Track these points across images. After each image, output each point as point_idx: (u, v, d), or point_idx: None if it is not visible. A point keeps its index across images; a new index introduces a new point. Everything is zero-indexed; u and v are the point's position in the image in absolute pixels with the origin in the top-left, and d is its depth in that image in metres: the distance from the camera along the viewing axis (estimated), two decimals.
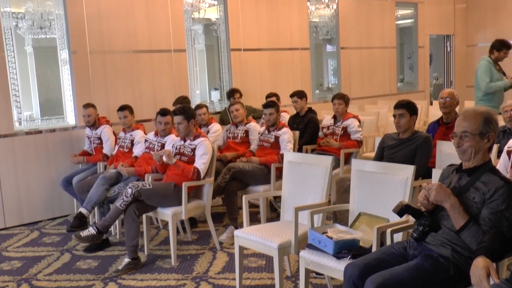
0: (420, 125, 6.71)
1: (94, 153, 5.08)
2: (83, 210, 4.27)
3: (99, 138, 5.06)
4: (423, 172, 3.69)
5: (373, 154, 4.26)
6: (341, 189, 3.69)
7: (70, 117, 5.55)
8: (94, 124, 5.10)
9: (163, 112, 4.38)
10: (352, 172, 3.11)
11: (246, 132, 5.03)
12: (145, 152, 4.51)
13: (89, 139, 5.16)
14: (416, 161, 3.68)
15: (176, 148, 4.12)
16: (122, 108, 4.82)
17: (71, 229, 4.22)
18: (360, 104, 7.75)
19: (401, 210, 2.19)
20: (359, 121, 5.18)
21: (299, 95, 5.66)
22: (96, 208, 4.38)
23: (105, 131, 5.03)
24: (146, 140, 4.57)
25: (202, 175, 3.93)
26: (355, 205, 3.04)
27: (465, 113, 2.24)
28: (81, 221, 4.23)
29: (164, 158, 3.94)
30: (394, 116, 3.81)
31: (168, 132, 4.41)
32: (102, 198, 4.25)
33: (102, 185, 4.27)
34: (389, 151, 3.88)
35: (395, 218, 2.64)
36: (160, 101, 5.94)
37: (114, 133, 5.11)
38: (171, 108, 5.52)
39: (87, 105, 5.08)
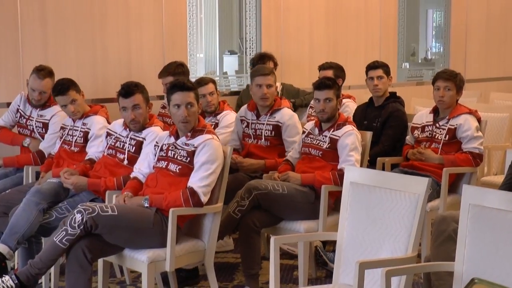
0: None
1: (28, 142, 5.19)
2: (1, 247, 4.29)
3: (44, 125, 5.18)
4: None
5: (500, 179, 4.22)
6: (441, 236, 3.66)
7: None
8: (44, 102, 5.21)
9: (126, 91, 4.37)
10: (463, 208, 3.08)
11: (277, 129, 5.05)
12: (107, 155, 4.57)
13: (24, 120, 5.24)
14: None
15: (161, 150, 4.17)
16: (63, 89, 4.73)
17: None
18: (483, 91, 7.68)
19: None
20: (479, 120, 5.14)
21: (386, 68, 5.65)
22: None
23: (58, 115, 5.13)
24: (109, 135, 4.63)
25: (203, 199, 3.96)
26: (465, 265, 3.02)
27: None
28: None
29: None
30: None
31: (142, 122, 4.45)
32: (35, 226, 4.29)
33: (36, 204, 4.31)
34: None
35: None
36: (138, 68, 6.00)
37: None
38: (158, 82, 5.60)
39: (44, 74, 5.07)
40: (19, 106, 5.30)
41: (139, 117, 4.41)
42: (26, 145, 5.17)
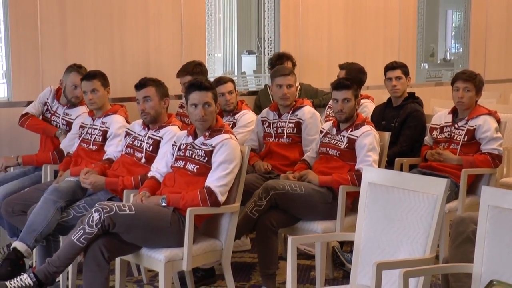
0: None
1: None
2: (19, 245, 4.33)
3: (69, 124, 5.21)
4: None
5: None
6: (459, 237, 3.65)
7: None
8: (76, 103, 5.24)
9: (139, 84, 4.43)
10: (481, 209, 3.07)
11: (298, 126, 5.07)
12: (125, 154, 4.59)
13: (49, 115, 5.27)
14: None
15: (179, 150, 4.18)
16: (90, 76, 4.86)
17: None
18: (502, 92, 7.63)
19: None
20: (498, 121, 5.11)
21: (405, 69, 5.64)
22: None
23: (83, 116, 5.12)
24: (128, 134, 4.65)
25: (221, 199, 3.96)
26: (483, 266, 3.01)
27: None
28: (15, 265, 4.29)
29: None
30: None
31: (154, 115, 4.45)
32: (53, 224, 4.32)
33: (53, 203, 4.34)
34: None
35: None
36: (156, 68, 6.01)
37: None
38: (176, 81, 5.62)
39: (84, 71, 5.07)
40: (47, 99, 5.35)
41: (149, 109, 4.41)
42: (58, 135, 5.21)
